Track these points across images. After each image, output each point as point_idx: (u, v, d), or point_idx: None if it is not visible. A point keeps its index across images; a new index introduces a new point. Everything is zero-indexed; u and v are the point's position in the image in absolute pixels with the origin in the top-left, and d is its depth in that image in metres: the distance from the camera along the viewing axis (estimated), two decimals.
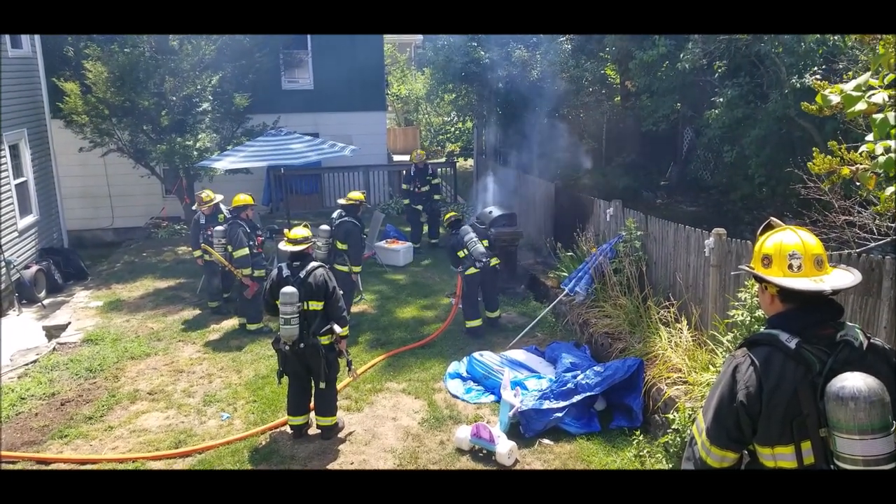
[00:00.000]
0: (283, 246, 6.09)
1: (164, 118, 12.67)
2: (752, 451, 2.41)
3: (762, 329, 2.52)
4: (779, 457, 2.32)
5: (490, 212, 10.28)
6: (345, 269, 8.71)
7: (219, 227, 8.88)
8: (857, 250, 4.85)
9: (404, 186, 12.92)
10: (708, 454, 2.43)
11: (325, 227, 8.88)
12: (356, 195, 9.14)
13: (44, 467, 5.78)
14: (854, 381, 2.15)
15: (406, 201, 12.80)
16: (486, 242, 8.51)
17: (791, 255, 2.41)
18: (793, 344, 2.31)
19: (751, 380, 2.33)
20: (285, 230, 6.48)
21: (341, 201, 9.27)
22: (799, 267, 2.39)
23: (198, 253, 9.39)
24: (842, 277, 2.41)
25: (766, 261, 2.47)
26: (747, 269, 2.56)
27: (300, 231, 6.13)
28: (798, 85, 7.54)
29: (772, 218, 2.61)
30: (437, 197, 12.68)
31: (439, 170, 17.26)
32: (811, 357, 2.29)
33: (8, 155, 11.42)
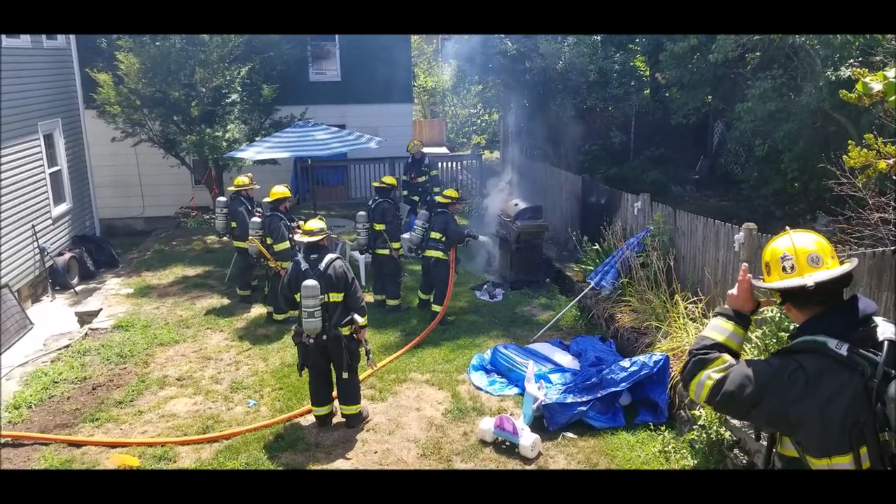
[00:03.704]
0: (299, 237, 6.15)
1: (194, 109, 12.83)
2: (802, 458, 2.32)
3: (798, 334, 2.42)
4: (836, 467, 2.23)
5: (516, 204, 10.24)
6: (386, 251, 8.91)
7: (255, 219, 8.84)
8: (892, 248, 4.73)
9: (403, 177, 12.86)
10: (702, 383, 2.40)
11: (362, 213, 9.18)
12: (389, 179, 9.78)
13: (75, 450, 5.93)
14: None
15: (405, 192, 12.67)
16: (438, 235, 8.68)
17: (782, 257, 2.40)
18: (844, 350, 2.23)
19: (797, 386, 2.25)
20: (300, 222, 6.53)
21: (375, 184, 9.81)
22: (792, 268, 2.37)
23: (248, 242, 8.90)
24: (833, 271, 2.33)
25: (767, 269, 2.46)
26: (758, 283, 2.50)
27: (315, 223, 6.17)
28: (833, 78, 7.37)
29: (787, 227, 2.56)
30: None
31: (466, 162, 17.30)
32: (862, 362, 2.21)
33: (43, 144, 11.66)
